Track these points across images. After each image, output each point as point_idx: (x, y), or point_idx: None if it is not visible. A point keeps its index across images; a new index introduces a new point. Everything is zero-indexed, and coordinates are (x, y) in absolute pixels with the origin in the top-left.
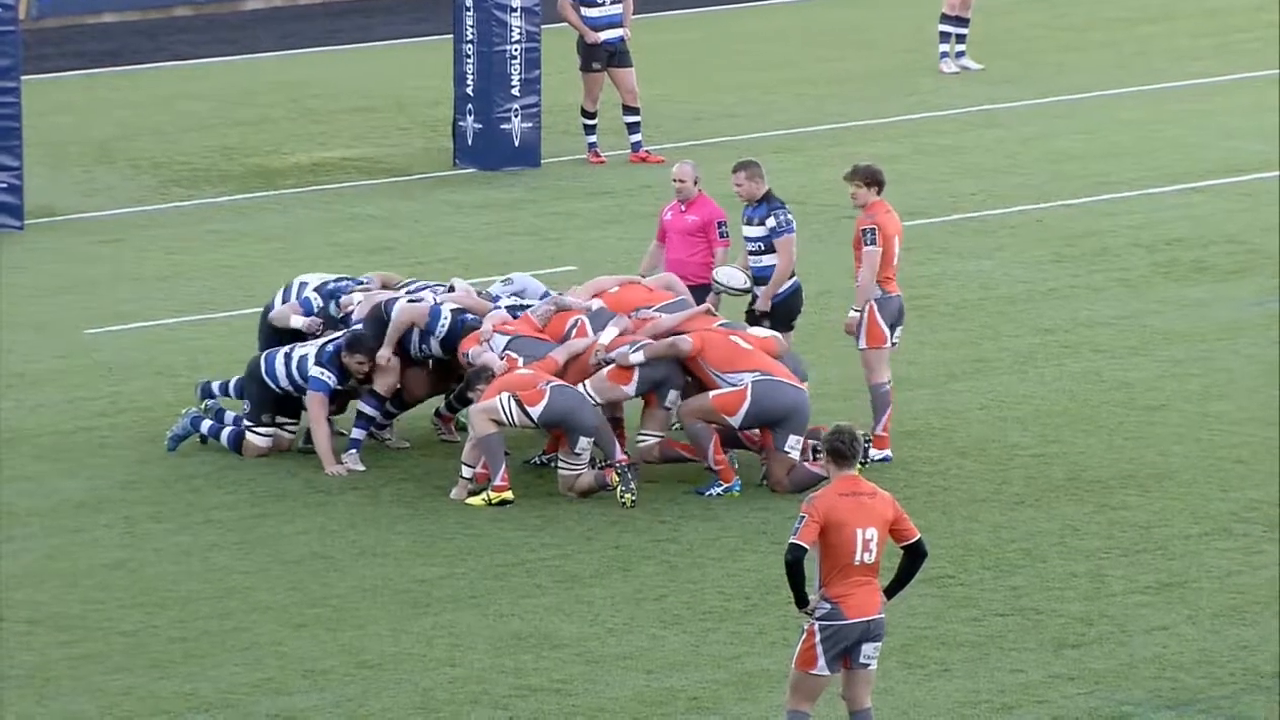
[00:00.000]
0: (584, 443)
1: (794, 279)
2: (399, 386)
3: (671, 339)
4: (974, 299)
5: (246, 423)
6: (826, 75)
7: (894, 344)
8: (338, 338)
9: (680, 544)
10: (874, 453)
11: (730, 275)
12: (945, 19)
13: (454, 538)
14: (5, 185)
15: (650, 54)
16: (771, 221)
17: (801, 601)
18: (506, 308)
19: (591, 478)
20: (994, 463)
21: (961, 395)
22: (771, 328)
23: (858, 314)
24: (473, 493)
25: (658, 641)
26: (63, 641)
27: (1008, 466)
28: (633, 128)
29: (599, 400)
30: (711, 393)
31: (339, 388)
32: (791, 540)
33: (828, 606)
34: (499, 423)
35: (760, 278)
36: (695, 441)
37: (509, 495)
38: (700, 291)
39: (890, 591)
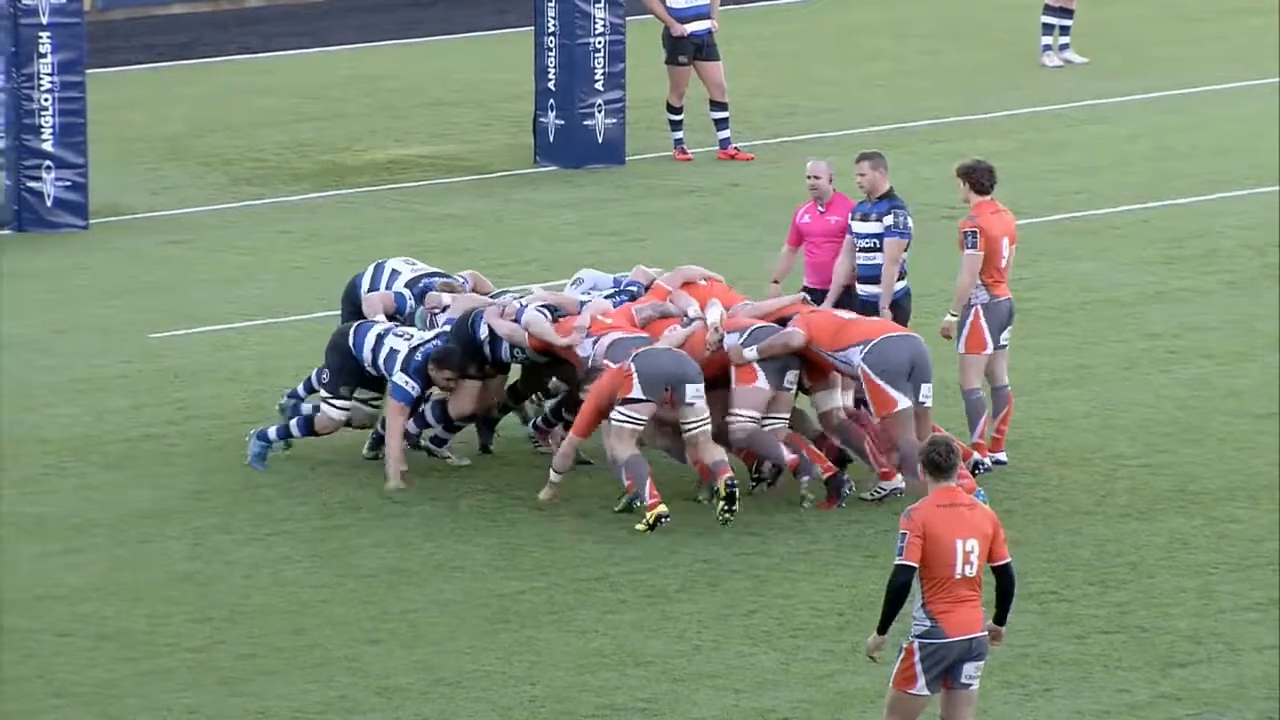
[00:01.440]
0: (692, 391)
1: (905, 282)
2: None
3: (784, 332)
4: (1077, 302)
5: (324, 393)
6: (925, 69)
7: (1002, 345)
8: (429, 344)
9: (770, 557)
10: (975, 457)
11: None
12: (1048, 10)
13: (534, 551)
14: (70, 183)
15: (740, 47)
16: (890, 219)
17: (885, 628)
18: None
19: (717, 456)
20: (1098, 473)
21: (1064, 403)
22: None
23: (954, 319)
24: (625, 508)
25: (746, 659)
26: (129, 658)
27: (1112, 477)
28: (720, 124)
29: (749, 414)
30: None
31: (421, 397)
32: (899, 561)
33: (928, 624)
34: (634, 434)
35: (869, 277)
36: (850, 444)
37: (663, 509)
38: (846, 299)
39: (1000, 620)
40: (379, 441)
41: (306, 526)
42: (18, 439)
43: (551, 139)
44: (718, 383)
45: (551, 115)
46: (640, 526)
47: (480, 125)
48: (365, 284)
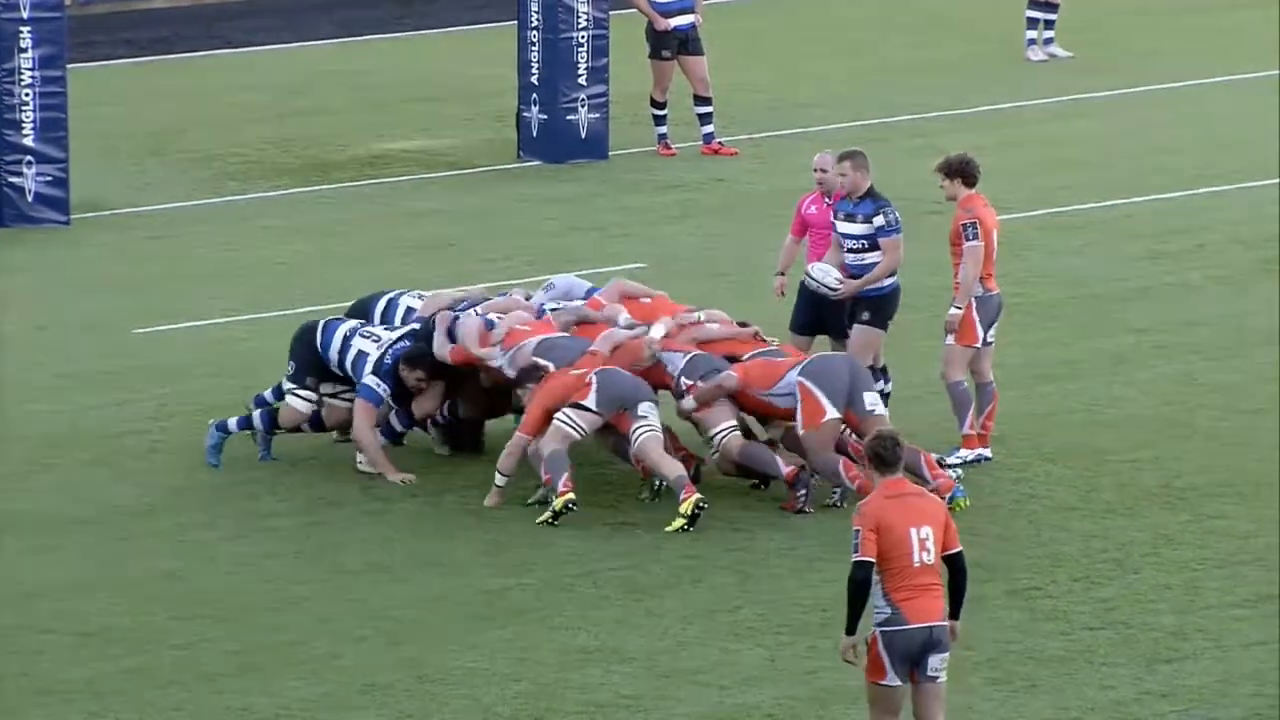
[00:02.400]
0: (645, 407)
1: (894, 278)
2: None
3: (719, 377)
4: (1063, 297)
5: (288, 384)
6: (909, 63)
7: (989, 342)
8: (397, 345)
9: (755, 553)
10: (964, 453)
11: (826, 272)
12: (1033, 4)
13: (518, 547)
14: (51, 178)
15: (724, 41)
16: (880, 219)
17: (853, 628)
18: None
19: (678, 472)
20: (1084, 469)
21: (1050, 398)
22: (868, 324)
23: (959, 311)
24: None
25: (731, 656)
26: (112, 655)
27: (1098, 473)
28: (704, 118)
29: (728, 426)
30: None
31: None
32: (855, 558)
33: (889, 611)
34: (570, 437)
35: (859, 275)
36: (825, 471)
37: (572, 496)
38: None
39: (954, 614)
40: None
41: (290, 523)
42: None
43: (535, 134)
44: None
45: (535, 110)
46: (545, 516)
47: (463, 120)
48: (377, 317)
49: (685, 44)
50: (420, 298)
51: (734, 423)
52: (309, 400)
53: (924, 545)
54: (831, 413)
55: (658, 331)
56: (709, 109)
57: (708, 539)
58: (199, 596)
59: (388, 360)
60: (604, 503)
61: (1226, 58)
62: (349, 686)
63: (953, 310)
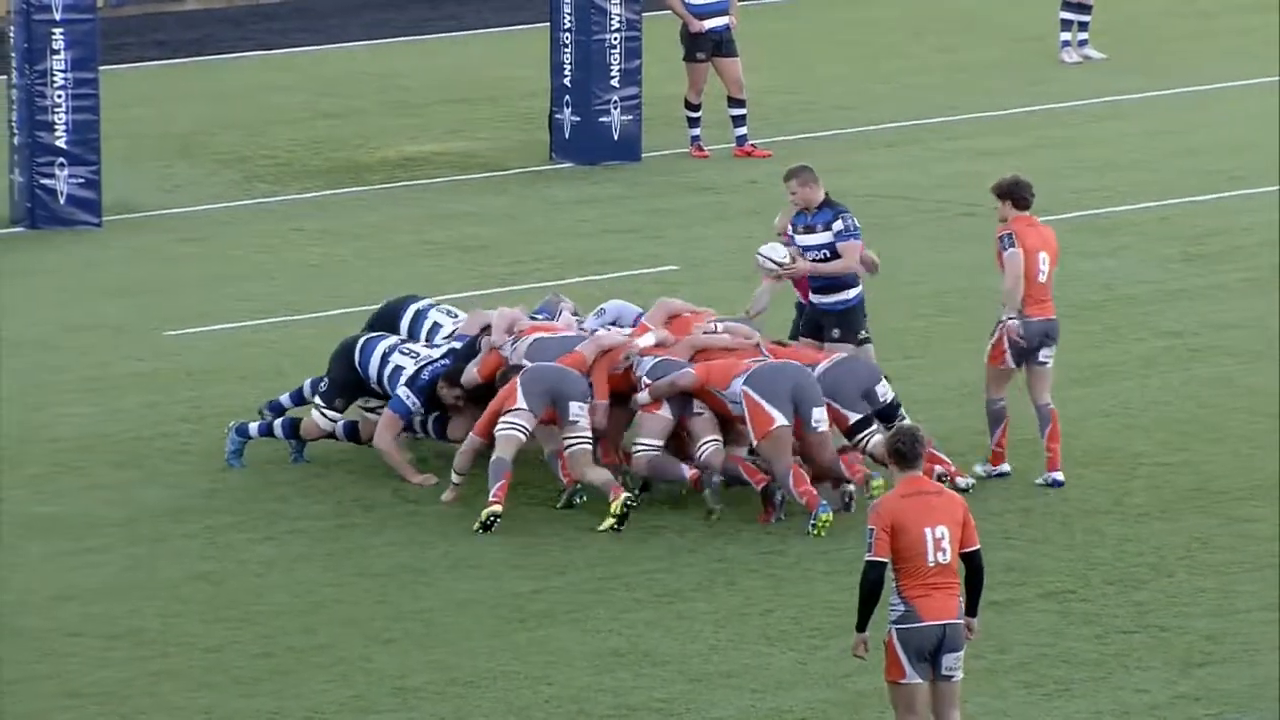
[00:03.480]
0: (575, 409)
1: (858, 289)
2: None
3: (675, 374)
4: (1096, 300)
5: (318, 400)
6: (941, 65)
7: (1041, 363)
8: (437, 363)
9: (787, 556)
10: (987, 468)
11: (774, 249)
12: (1066, 5)
13: (550, 550)
14: (83, 180)
15: (754, 42)
16: (839, 224)
17: (863, 625)
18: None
19: (605, 476)
20: (1117, 473)
21: (1082, 402)
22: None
23: (1014, 321)
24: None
25: (763, 659)
26: (141, 657)
27: (1131, 477)
28: (738, 120)
29: (649, 443)
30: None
31: (417, 414)
32: (868, 558)
33: (903, 608)
34: (516, 440)
35: (822, 287)
36: (780, 480)
37: (498, 509)
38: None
39: (970, 610)
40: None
41: (320, 525)
42: (29, 438)
43: (567, 136)
44: (621, 398)
45: (567, 112)
46: (476, 525)
47: (495, 122)
48: (404, 326)
49: (719, 46)
50: (450, 313)
51: (657, 441)
52: (332, 420)
53: (939, 545)
54: (780, 420)
55: (645, 340)
56: (743, 111)
57: (740, 542)
58: (229, 599)
59: (424, 376)
60: (636, 507)
61: (1261, 59)
62: (380, 689)
63: (1009, 321)
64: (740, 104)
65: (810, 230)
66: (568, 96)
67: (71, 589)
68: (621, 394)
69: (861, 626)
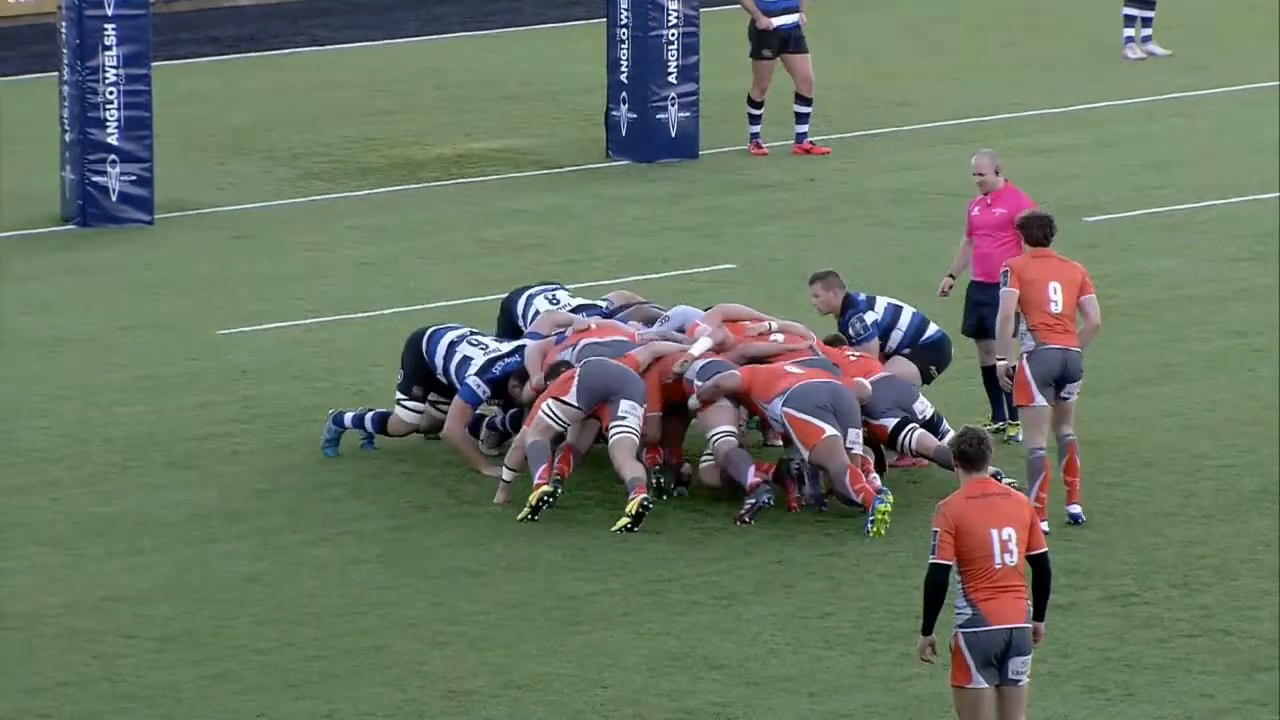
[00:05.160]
0: (625, 406)
1: (939, 330)
2: None
3: (721, 375)
4: (1160, 299)
5: (398, 394)
6: (1003, 61)
7: (1064, 398)
8: (510, 358)
9: (846, 559)
10: None
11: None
12: (1130, 1)
13: (606, 551)
14: (135, 177)
15: (814, 38)
16: (850, 331)
17: (929, 628)
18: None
19: (635, 474)
20: (1181, 474)
21: (1146, 402)
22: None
23: (1002, 363)
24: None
25: (822, 663)
26: (194, 660)
27: (1196, 478)
28: (801, 118)
29: (726, 429)
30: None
31: (487, 402)
32: (932, 560)
33: (970, 612)
34: (551, 429)
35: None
36: (836, 483)
37: (548, 487)
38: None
39: (1038, 615)
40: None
41: (374, 526)
42: (83, 438)
43: (624, 133)
44: (676, 407)
45: (624, 109)
46: (524, 513)
47: (551, 119)
48: (520, 316)
49: (788, 43)
50: (553, 299)
51: (730, 427)
52: (417, 411)
53: (1006, 547)
54: (829, 429)
55: (698, 348)
56: (808, 109)
57: (798, 544)
58: (282, 601)
59: (496, 370)
60: (692, 506)
61: None
62: (433, 692)
63: (998, 363)
64: (807, 102)
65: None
66: (624, 93)
67: (124, 590)
68: (676, 403)
69: (927, 630)
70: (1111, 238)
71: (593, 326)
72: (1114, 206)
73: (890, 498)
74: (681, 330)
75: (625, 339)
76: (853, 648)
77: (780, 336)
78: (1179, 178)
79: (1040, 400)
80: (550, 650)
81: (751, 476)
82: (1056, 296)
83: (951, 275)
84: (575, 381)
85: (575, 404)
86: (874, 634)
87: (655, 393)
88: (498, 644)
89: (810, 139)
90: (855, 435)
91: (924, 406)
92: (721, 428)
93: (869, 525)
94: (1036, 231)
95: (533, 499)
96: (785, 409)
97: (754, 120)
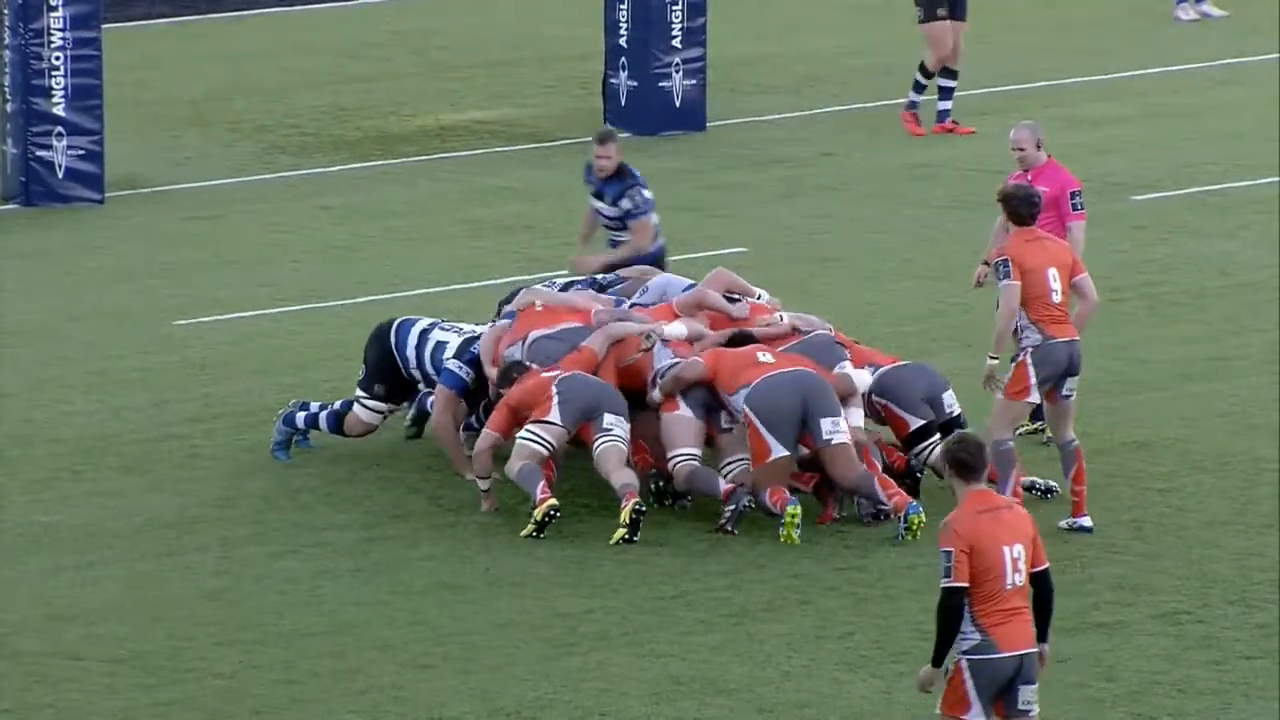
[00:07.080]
0: (610, 419)
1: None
2: None
3: (682, 364)
4: (1214, 286)
5: (359, 392)
6: (1043, 24)
7: (1065, 396)
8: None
9: (868, 573)
10: None
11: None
12: None
13: (603, 565)
14: (83, 152)
15: (816, 2)
16: (626, 202)
17: (940, 660)
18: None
19: (625, 480)
20: (1238, 479)
21: (1199, 399)
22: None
23: (994, 361)
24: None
25: (842, 687)
26: (149, 685)
27: (1254, 483)
28: (945, 92)
29: (686, 452)
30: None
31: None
32: (946, 584)
33: (978, 638)
34: (538, 454)
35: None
36: (858, 489)
37: (554, 500)
38: None
39: (1042, 637)
40: (422, 417)
41: (348, 538)
42: (26, 439)
43: (623, 102)
44: (638, 397)
45: (623, 76)
46: (528, 529)
47: (543, 87)
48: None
49: (957, 6)
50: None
51: (690, 450)
52: (378, 412)
53: (1016, 565)
54: (778, 451)
55: (673, 331)
56: (954, 83)
57: (816, 556)
58: (246, 620)
59: (475, 348)
60: (698, 515)
61: None
62: (414, 719)
63: (988, 360)
64: (954, 75)
65: (599, 198)
66: (624, 59)
67: (71, 608)
68: (637, 391)
69: (938, 661)
70: (1160, 218)
71: (538, 307)
72: (1163, 183)
73: (921, 511)
74: (663, 299)
75: (576, 325)
76: (876, 671)
77: (785, 315)
78: (1234, 153)
79: (1034, 397)
80: (542, 674)
81: (724, 485)
82: (1056, 285)
83: (986, 262)
84: (555, 402)
85: (560, 424)
86: (899, 656)
87: (612, 375)
88: (484, 667)
89: (951, 118)
90: (832, 424)
91: (951, 400)
92: (680, 450)
93: (902, 533)
94: (1025, 209)
95: (538, 514)
96: (746, 406)
97: (918, 88)
